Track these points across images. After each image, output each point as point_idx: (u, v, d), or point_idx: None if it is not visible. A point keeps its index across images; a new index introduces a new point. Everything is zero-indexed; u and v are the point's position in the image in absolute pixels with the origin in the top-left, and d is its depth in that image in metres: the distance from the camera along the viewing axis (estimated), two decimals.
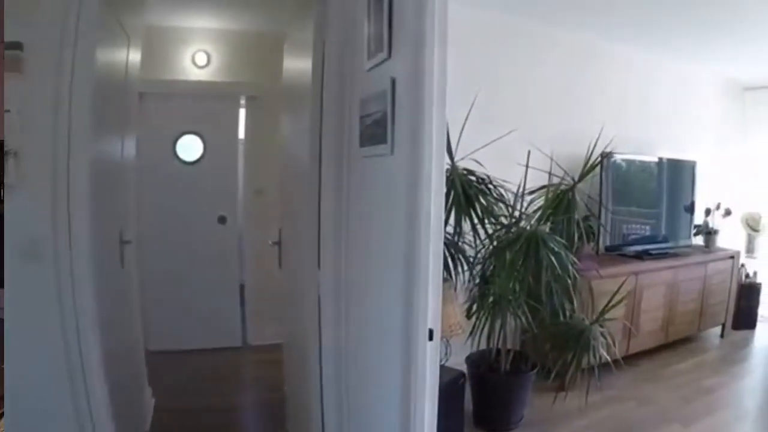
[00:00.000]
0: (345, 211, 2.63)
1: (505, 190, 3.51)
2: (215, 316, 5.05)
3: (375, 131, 2.16)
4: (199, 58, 5.08)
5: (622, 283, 4.19)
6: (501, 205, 3.48)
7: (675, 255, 5.35)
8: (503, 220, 3.53)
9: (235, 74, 5.16)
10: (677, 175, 5.68)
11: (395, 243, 1.99)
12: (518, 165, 3.64)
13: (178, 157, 5.06)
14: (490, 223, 3.44)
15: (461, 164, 3.35)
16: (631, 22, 4.70)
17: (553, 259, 3.28)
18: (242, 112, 5.35)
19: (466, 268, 3.50)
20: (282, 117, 3.76)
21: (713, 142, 6.73)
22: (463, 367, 3.63)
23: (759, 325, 6.40)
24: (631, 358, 4.57)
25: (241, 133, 5.37)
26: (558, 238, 3.42)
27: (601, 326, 3.56)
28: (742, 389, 4.78)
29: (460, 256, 3.42)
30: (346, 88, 2.60)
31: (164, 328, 4.83)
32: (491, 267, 3.53)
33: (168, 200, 4.98)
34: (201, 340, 4.96)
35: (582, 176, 3.78)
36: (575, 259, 3.50)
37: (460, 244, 3.39)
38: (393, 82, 1.99)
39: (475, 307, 3.49)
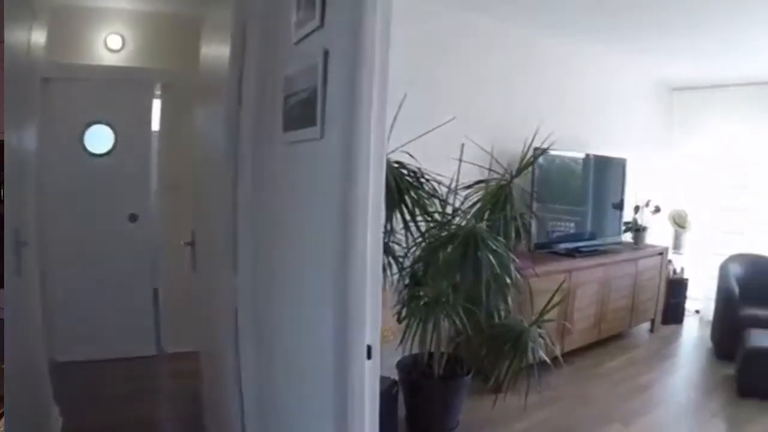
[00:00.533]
0: (266, 207, 2.34)
1: (439, 183, 3.31)
2: (127, 323, 4.67)
3: (302, 112, 1.87)
4: (112, 41, 4.64)
5: (562, 282, 4.11)
6: (434, 200, 3.28)
7: (606, 252, 5.33)
8: (437, 216, 3.33)
9: (150, 60, 4.74)
10: (607, 173, 5.66)
11: (326, 243, 1.71)
12: (455, 160, 3.46)
13: (85, 149, 4.60)
14: (424, 219, 3.24)
15: (392, 156, 3.12)
16: (568, 19, 4.66)
17: (491, 258, 3.10)
18: (158, 102, 4.96)
19: (395, 269, 3.30)
20: (198, 106, 3.46)
21: (643, 141, 6.80)
22: (394, 373, 3.44)
23: (686, 320, 6.51)
24: (565, 357, 4.46)
25: (156, 125, 4.98)
26: (497, 237, 3.25)
27: (540, 327, 3.42)
28: (676, 384, 4.84)
29: (390, 257, 3.21)
30: (269, 67, 2.30)
31: (72, 337, 4.40)
32: (423, 267, 3.33)
33: (74, 196, 4.53)
34: (112, 348, 4.56)
35: (518, 172, 3.63)
36: (515, 258, 3.34)
37: (390, 243, 3.18)
38: (326, 54, 1.72)
39: (405, 311, 3.28)
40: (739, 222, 6.48)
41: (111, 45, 4.65)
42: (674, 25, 4.71)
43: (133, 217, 4.74)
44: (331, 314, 1.68)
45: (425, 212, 3.20)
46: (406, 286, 3.35)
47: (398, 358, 3.49)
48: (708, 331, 5.87)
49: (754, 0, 4.02)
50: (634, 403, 4.22)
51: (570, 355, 4.63)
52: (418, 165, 3.23)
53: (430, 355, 3.40)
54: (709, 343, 5.68)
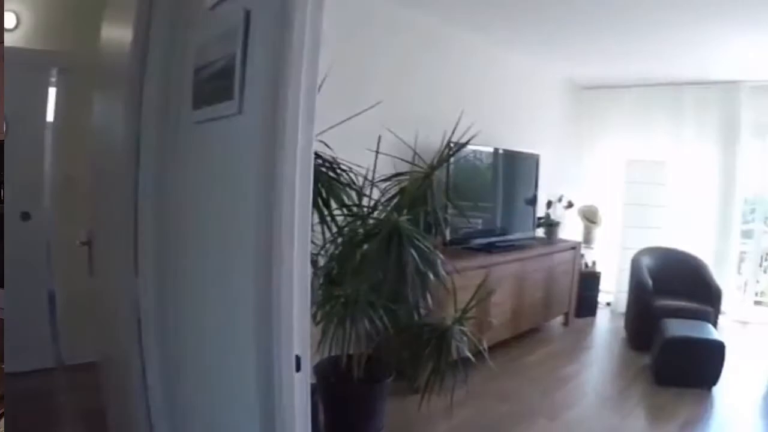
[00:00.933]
0: (173, 201, 2.09)
1: (356, 174, 3.17)
2: (21, 333, 4.28)
3: (216, 85, 1.65)
4: (5, 18, 4.22)
5: (486, 277, 4.06)
6: (352, 192, 3.14)
7: (521, 247, 5.35)
8: (354, 209, 3.19)
9: (47, 41, 4.32)
10: (521, 168, 5.70)
11: (245, 240, 1.50)
12: (375, 152, 3.34)
13: None
14: (342, 212, 3.09)
15: None
16: (486, 19, 4.78)
17: (414, 253, 2.99)
18: (54, 90, 4.55)
19: (310, 268, 3.12)
20: (99, 93, 3.16)
21: (555, 138, 6.93)
22: (312, 378, 3.27)
23: (599, 312, 6.66)
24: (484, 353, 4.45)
25: (51, 113, 4.57)
26: (421, 232, 3.14)
27: (462, 324, 3.34)
28: (596, 376, 4.91)
29: None
30: (178, 38, 2.06)
31: None
32: (340, 264, 3.19)
33: None
34: (5, 362, 4.17)
35: (438, 164, 3.54)
36: (441, 255, 3.25)
37: None
38: (247, 15, 1.52)
39: (320, 313, 3.13)
40: (652, 217, 6.70)
41: (4, 23, 4.22)
42: (582, 28, 4.95)
43: (25, 216, 4.34)
44: (252, 321, 1.49)
45: (343, 205, 3.05)
46: (321, 285, 3.19)
47: (316, 361, 3.33)
48: (620, 323, 6.06)
49: (650, 8, 4.29)
50: (558, 397, 4.24)
51: (490, 352, 4.57)
52: (333, 155, 3.08)
53: (350, 357, 3.26)
54: (623, 334, 5.85)
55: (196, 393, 2.00)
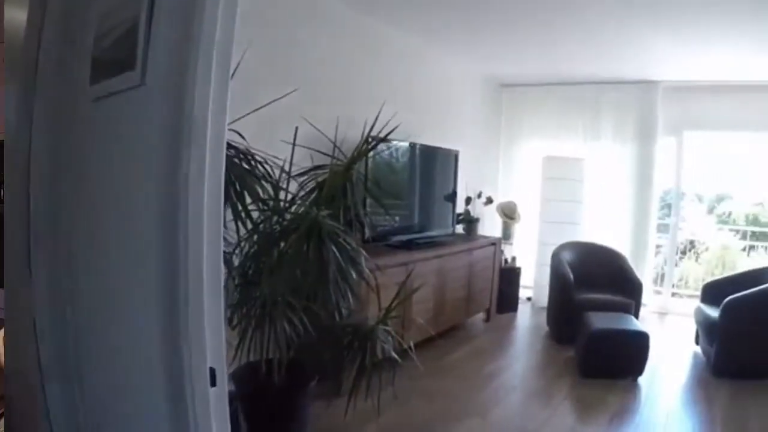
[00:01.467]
0: (68, 192, 1.86)
1: (272, 166, 2.99)
2: None
3: (117, 54, 1.46)
4: None
5: (409, 274, 3.98)
6: (268, 186, 2.95)
7: (441, 244, 5.29)
8: (271, 203, 3.00)
9: None
10: (440, 164, 5.64)
11: (148, 236, 1.33)
12: (297, 145, 3.16)
13: None
14: (257, 207, 2.90)
15: None
16: (407, 13, 4.78)
17: (335, 251, 2.84)
18: None
19: (224, 267, 2.91)
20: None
21: (475, 134, 6.96)
22: (230, 386, 3.07)
23: (520, 307, 6.71)
24: (408, 353, 4.34)
25: None
26: (343, 228, 2.99)
27: (386, 324, 3.21)
28: (523, 371, 4.92)
29: None
30: (77, 8, 1.84)
31: None
32: (256, 263, 3.00)
33: None
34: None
35: (356, 159, 3.41)
36: (364, 252, 3.11)
37: None
38: None
39: (237, 316, 2.93)
40: (570, 213, 6.84)
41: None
42: (501, 27, 5.05)
43: None
44: (158, 330, 1.31)
45: (258, 199, 2.86)
46: (237, 286, 2.99)
47: (233, 368, 3.12)
48: (542, 317, 6.11)
49: (568, 8, 4.43)
50: (486, 394, 4.21)
51: (414, 351, 4.46)
52: (247, 145, 2.88)
53: (270, 362, 3.07)
54: (545, 328, 5.91)
55: (101, 413, 1.78)
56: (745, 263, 8.12)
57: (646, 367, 4.59)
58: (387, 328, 3.19)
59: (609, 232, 7.01)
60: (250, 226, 2.86)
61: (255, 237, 2.94)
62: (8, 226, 2.09)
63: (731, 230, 9.22)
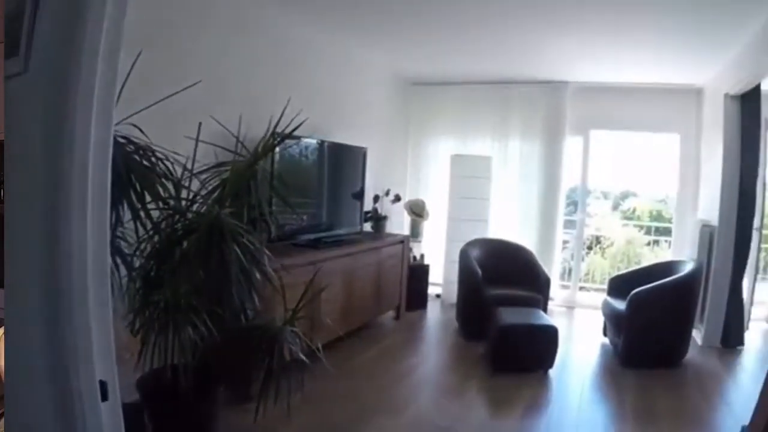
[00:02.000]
0: None
1: (174, 163, 2.87)
2: None
3: (8, 35, 1.33)
4: None
5: (316, 273, 3.89)
6: (169, 183, 2.83)
7: (349, 242, 5.27)
8: (171, 202, 2.88)
9: None
10: (348, 161, 5.64)
11: (28, 238, 1.23)
12: (201, 141, 3.05)
13: None
14: (157, 207, 2.78)
15: (117, 129, 2.58)
16: (316, 9, 4.75)
17: (238, 251, 2.76)
18: None
19: (124, 270, 2.78)
20: None
21: (383, 131, 7.00)
22: (136, 396, 2.94)
23: (429, 304, 6.80)
24: (317, 354, 4.28)
25: None
26: (246, 227, 2.90)
27: (293, 325, 3.15)
28: (434, 368, 4.97)
29: (117, 255, 2.69)
30: None
31: None
32: (157, 265, 2.87)
33: None
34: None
35: (260, 155, 3.33)
36: (267, 252, 3.04)
37: (115, 237, 2.66)
38: None
39: (139, 321, 2.79)
40: (478, 210, 6.99)
41: None
42: (410, 23, 5.07)
43: None
44: (38, 342, 1.21)
45: (158, 198, 2.74)
46: (138, 290, 2.85)
47: (139, 375, 2.98)
48: (451, 314, 6.22)
49: (474, 11, 4.57)
50: (398, 393, 4.23)
51: (324, 351, 4.38)
52: (148, 141, 2.75)
53: (175, 368, 2.95)
54: (455, 325, 6.00)
55: None
56: (649, 257, 8.58)
57: (557, 360, 4.76)
58: (294, 329, 3.14)
59: (516, 228, 7.25)
60: (150, 226, 2.74)
61: (156, 238, 2.82)
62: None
63: (635, 226, 9.71)
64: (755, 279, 6.52)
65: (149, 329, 2.73)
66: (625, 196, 11.21)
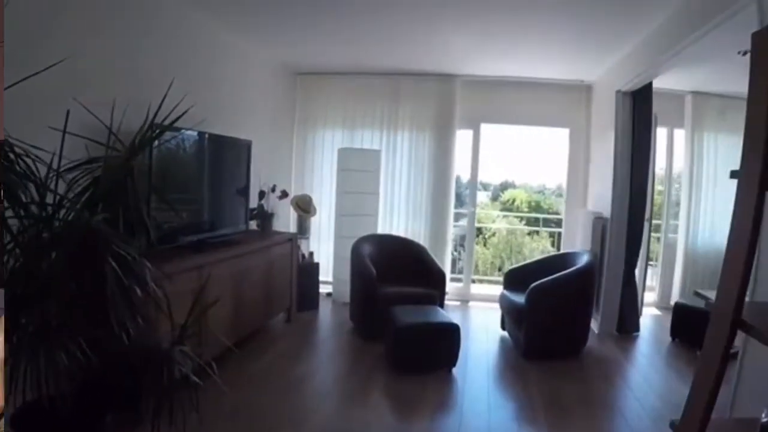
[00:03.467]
0: None
1: (36, 161, 2.46)
2: None
3: None
4: None
5: (203, 283, 3.61)
6: (30, 185, 2.42)
7: (235, 242, 4.89)
8: (34, 209, 2.47)
9: None
10: (232, 155, 5.25)
11: None
12: (68, 133, 2.63)
13: None
14: (17, 215, 2.37)
15: None
16: None
17: (114, 264, 2.40)
18: None
19: None
20: None
21: (268, 123, 6.71)
22: None
23: (321, 304, 6.62)
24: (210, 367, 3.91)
25: None
26: (122, 234, 2.55)
27: (182, 343, 2.83)
28: (334, 372, 4.74)
29: None
30: None
31: None
32: (21, 283, 2.45)
33: None
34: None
35: (136, 150, 2.96)
36: (148, 264, 2.69)
37: None
38: None
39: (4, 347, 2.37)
40: (367, 205, 6.85)
41: None
42: (296, 10, 4.84)
43: None
44: None
45: (19, 203, 2.33)
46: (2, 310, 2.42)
47: (11, 411, 2.55)
48: (345, 313, 6.07)
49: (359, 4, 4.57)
50: (299, 402, 4.01)
51: (216, 363, 4.06)
52: (7, 134, 2.33)
53: (53, 399, 2.54)
54: (350, 324, 5.85)
55: None
56: (531, 247, 8.82)
57: (459, 357, 4.70)
58: (183, 348, 2.82)
59: (407, 223, 7.19)
60: (9, 238, 2.33)
61: (17, 251, 2.41)
62: None
63: (516, 216, 9.96)
64: (646, 267, 6.84)
65: (18, 357, 2.33)
66: (504, 187, 11.54)
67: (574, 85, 7.08)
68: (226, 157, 5.12)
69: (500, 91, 7.16)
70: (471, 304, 7.22)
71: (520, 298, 5.18)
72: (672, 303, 7.19)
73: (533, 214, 10.26)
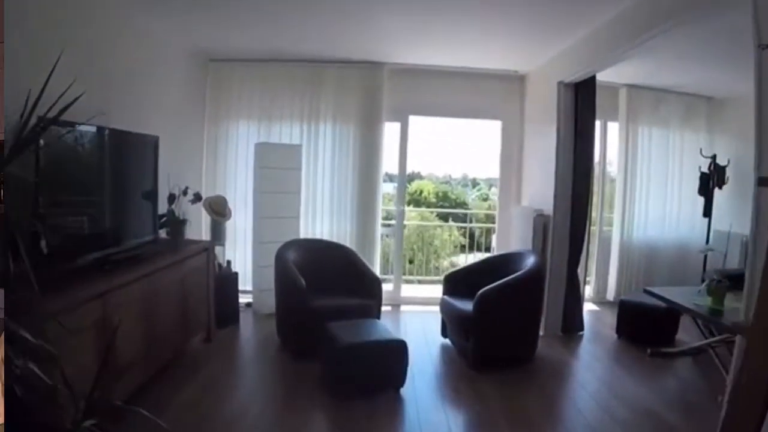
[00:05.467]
0: None
1: None
2: None
3: None
4: None
5: (113, 333, 2.95)
6: None
7: (145, 259, 3.98)
8: None
9: None
10: (137, 154, 4.36)
11: None
12: None
13: None
14: None
15: None
16: None
17: None
18: None
19: None
20: None
21: (179, 117, 5.82)
22: None
23: (242, 316, 5.87)
24: (121, 412, 3.10)
25: None
26: None
27: (92, 417, 2.13)
28: (267, 403, 3.97)
29: None
30: None
31: None
32: None
33: None
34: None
35: (14, 150, 2.24)
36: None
37: None
38: None
39: None
40: (289, 206, 6.11)
41: None
42: None
43: None
44: None
45: None
46: None
47: None
48: (269, 327, 5.38)
49: None
50: None
51: (131, 403, 3.26)
52: None
53: None
54: (276, 340, 5.13)
55: None
56: (443, 238, 8.57)
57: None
58: (92, 422, 2.12)
59: (332, 223, 6.54)
60: None
61: None
62: None
63: (426, 208, 9.74)
64: (586, 264, 6.58)
65: None
66: (411, 178, 11.23)
67: (508, 75, 6.65)
68: (131, 156, 4.26)
69: (430, 82, 6.61)
70: (403, 308, 6.64)
71: (465, 305, 4.66)
72: (608, 298, 7.01)
73: (459, 210, 10.04)
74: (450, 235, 11.54)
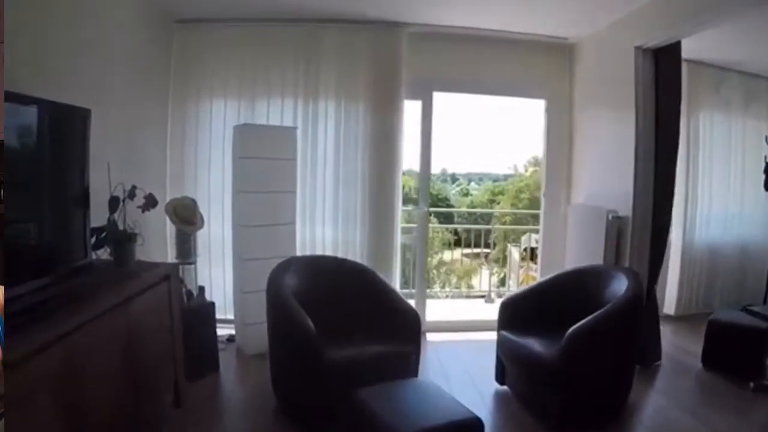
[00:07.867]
0: None
1: None
2: None
3: None
4: None
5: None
6: None
7: (70, 299, 2.29)
8: None
9: None
10: (61, 136, 2.65)
11: None
12: None
13: None
14: None
15: None
16: None
17: None
18: None
19: None
20: None
21: (129, 91, 4.08)
22: None
23: (222, 360, 4.16)
24: None
25: None
26: None
27: None
28: None
29: None
30: None
31: None
32: None
33: None
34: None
35: None
36: None
37: None
38: None
39: None
40: (281, 208, 4.46)
41: None
42: None
43: None
44: None
45: None
46: None
47: None
48: (258, 374, 3.82)
49: None
50: None
51: None
52: None
53: None
54: (272, 399, 3.47)
55: None
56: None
57: None
58: None
59: (336, 232, 4.89)
60: None
61: None
62: None
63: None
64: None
65: None
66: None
67: (555, 43, 5.06)
68: (54, 139, 2.57)
69: (457, 50, 5.01)
70: (429, 337, 4.99)
71: (545, 348, 3.19)
72: (667, 311, 5.57)
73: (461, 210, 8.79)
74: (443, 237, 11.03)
